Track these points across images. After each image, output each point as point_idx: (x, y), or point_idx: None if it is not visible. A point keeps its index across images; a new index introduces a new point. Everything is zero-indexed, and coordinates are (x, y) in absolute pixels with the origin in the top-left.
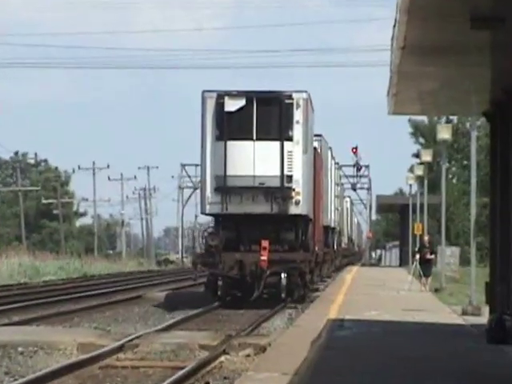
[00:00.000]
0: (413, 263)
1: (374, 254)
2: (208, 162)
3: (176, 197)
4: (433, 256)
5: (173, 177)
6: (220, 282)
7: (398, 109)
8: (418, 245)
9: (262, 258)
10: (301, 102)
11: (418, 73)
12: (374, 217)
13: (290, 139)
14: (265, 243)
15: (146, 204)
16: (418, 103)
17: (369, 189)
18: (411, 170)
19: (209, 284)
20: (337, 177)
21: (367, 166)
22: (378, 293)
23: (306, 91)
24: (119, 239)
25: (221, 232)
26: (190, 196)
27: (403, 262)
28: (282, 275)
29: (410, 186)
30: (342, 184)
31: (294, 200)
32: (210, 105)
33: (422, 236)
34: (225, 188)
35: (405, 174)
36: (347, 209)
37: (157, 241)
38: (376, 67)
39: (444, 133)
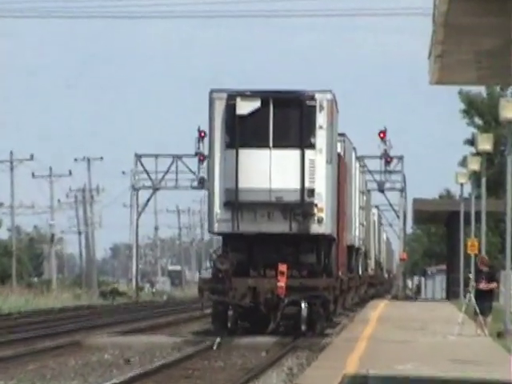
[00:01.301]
0: (465, 296)
1: (409, 283)
2: (217, 173)
3: (128, 201)
4: (494, 285)
5: (124, 173)
6: (230, 312)
7: (445, 76)
8: (472, 270)
9: (279, 284)
10: (325, 104)
11: (474, 25)
12: (409, 229)
13: (312, 147)
14: (282, 267)
15: (85, 211)
16: (473, 69)
17: (402, 190)
18: (463, 163)
19: (217, 314)
20: (362, 183)
21: (400, 158)
22: (417, 338)
23: (330, 91)
24: (47, 261)
25: (231, 254)
26: (148, 200)
27: (451, 294)
28: (303, 305)
29: (462, 185)
30: (369, 191)
31: (316, 217)
32: (219, 107)
33: (478, 257)
34: (236, 203)
35: (454, 170)
36: (374, 222)
37: (101, 264)
38: (413, 16)
39: (510, 110)
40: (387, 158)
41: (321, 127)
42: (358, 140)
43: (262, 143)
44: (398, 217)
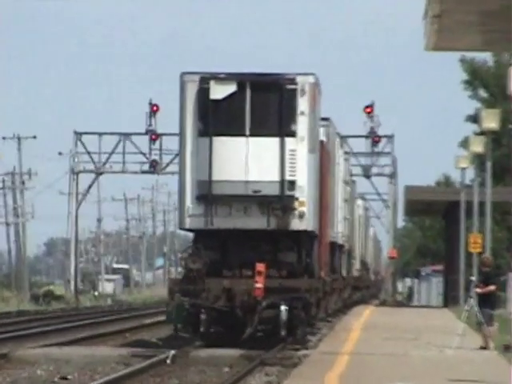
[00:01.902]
0: (466, 302)
1: (400, 286)
2: (188, 164)
3: (66, 188)
4: (491, 288)
5: (61, 154)
6: (203, 316)
7: (443, 41)
8: (475, 271)
9: (257, 285)
10: (307, 88)
11: None
12: (400, 223)
13: (293, 135)
14: (260, 267)
15: (14, 199)
16: (477, 32)
17: (392, 176)
18: (464, 144)
19: (189, 318)
20: (346, 172)
21: (390, 138)
22: (408, 351)
23: (313, 74)
24: None
25: (204, 252)
26: (89, 186)
27: (450, 299)
28: (282, 307)
29: (463, 171)
30: (353, 181)
31: (297, 212)
32: (191, 91)
33: (482, 256)
34: (210, 196)
35: (453, 152)
36: (359, 216)
37: (33, 262)
38: None
39: None
40: (374, 138)
41: (302, 113)
42: (342, 117)
43: (237, 131)
44: (386, 207)
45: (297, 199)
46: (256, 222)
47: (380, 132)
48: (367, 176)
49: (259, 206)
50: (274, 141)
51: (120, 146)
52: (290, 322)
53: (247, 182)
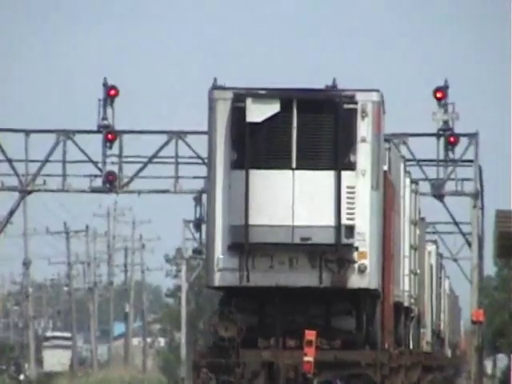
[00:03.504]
0: None
1: (488, 367)
2: (218, 204)
3: None
4: None
5: None
6: None
7: None
8: None
9: (307, 358)
10: (369, 108)
11: None
12: (489, 268)
13: (352, 168)
14: (310, 335)
15: None
16: None
17: (477, 196)
18: None
19: None
20: (414, 209)
21: (473, 137)
22: None
23: (377, 90)
24: None
25: (239, 316)
26: (11, 212)
27: None
28: None
29: None
30: (422, 218)
31: (356, 266)
32: (223, 111)
33: None
34: (246, 245)
35: None
36: (431, 267)
37: None
38: None
39: None
40: (450, 138)
41: (363, 140)
42: (397, 106)
43: (281, 162)
44: (468, 245)
45: (356, 249)
46: (304, 277)
47: (458, 129)
48: (439, 196)
49: (309, 258)
50: (328, 175)
51: (58, 150)
52: None
53: (294, 228)
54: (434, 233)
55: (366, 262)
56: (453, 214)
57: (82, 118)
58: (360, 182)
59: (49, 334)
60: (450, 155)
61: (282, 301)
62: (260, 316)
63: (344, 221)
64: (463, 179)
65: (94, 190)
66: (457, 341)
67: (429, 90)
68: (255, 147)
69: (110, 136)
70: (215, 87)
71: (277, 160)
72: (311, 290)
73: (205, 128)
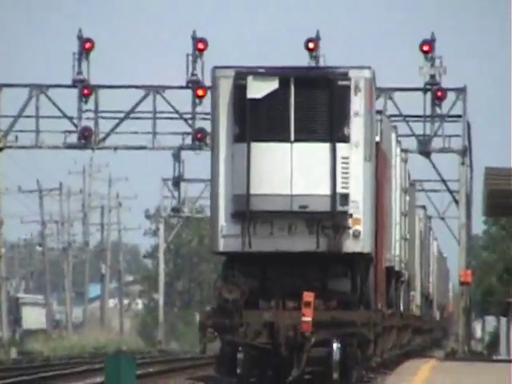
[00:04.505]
0: None
1: (478, 328)
2: (222, 175)
3: None
4: None
5: None
6: (240, 355)
7: None
8: None
9: (305, 318)
10: (361, 84)
11: None
12: (478, 227)
13: (346, 140)
14: (308, 296)
15: None
16: None
17: (465, 153)
18: None
19: (223, 358)
20: (404, 177)
21: (461, 91)
22: None
23: (369, 67)
24: None
25: (242, 280)
26: None
27: None
28: (335, 345)
29: None
30: (412, 184)
31: (351, 231)
32: (225, 88)
33: None
34: (247, 213)
35: None
36: (420, 232)
37: None
38: None
39: None
40: (437, 92)
41: (357, 114)
42: (384, 61)
43: (280, 135)
44: (456, 203)
45: (351, 216)
46: (303, 243)
47: (445, 83)
48: (425, 153)
49: (306, 225)
50: (324, 147)
51: (31, 105)
52: (344, 362)
53: (292, 196)
54: (420, 191)
55: (359, 227)
56: (440, 172)
57: (56, 72)
58: (354, 154)
59: (20, 295)
60: (437, 110)
61: (281, 265)
62: (261, 279)
63: (339, 190)
64: (451, 135)
65: (68, 147)
66: (445, 303)
67: (415, 43)
68: (256, 121)
69: (85, 91)
70: (217, 66)
71: (276, 133)
72: (309, 254)
73: (183, 83)
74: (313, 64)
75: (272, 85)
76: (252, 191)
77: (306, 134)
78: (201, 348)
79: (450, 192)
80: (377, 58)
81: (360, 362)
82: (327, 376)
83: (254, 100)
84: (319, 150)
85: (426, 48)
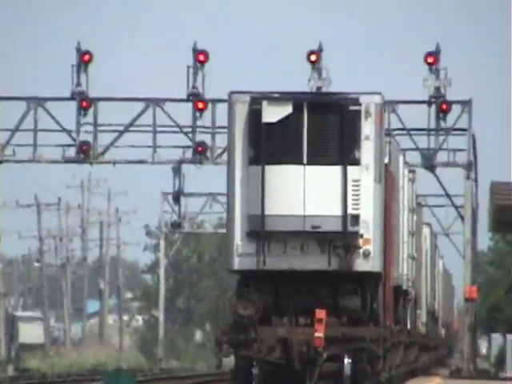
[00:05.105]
0: None
1: (483, 347)
2: (237, 196)
3: None
4: None
5: None
6: (255, 370)
7: None
8: None
9: (317, 334)
10: (372, 109)
11: None
12: (483, 243)
13: (357, 163)
14: (320, 313)
15: None
16: None
17: (470, 167)
18: None
19: (238, 372)
20: (412, 198)
21: (466, 104)
22: None
23: (379, 93)
24: None
25: (256, 297)
26: None
27: None
28: (346, 360)
29: None
30: (419, 203)
31: (361, 251)
32: (241, 112)
33: None
34: (262, 233)
35: None
36: (426, 251)
37: None
38: None
39: None
40: (442, 105)
41: (367, 138)
42: (389, 73)
43: (293, 158)
44: (461, 218)
45: (361, 236)
46: (315, 261)
47: (450, 96)
48: (430, 167)
49: (318, 244)
50: (335, 170)
51: (29, 118)
52: (354, 376)
53: (305, 217)
54: (425, 206)
55: (369, 247)
56: (445, 186)
57: (55, 85)
58: (364, 176)
59: (18, 313)
60: (442, 124)
61: (294, 283)
62: (274, 297)
63: (350, 211)
64: (456, 149)
65: (67, 161)
66: (450, 320)
67: (419, 54)
68: (270, 145)
69: (84, 103)
70: (234, 92)
71: (289, 156)
72: (321, 272)
73: (183, 96)
74: (315, 76)
75: (286, 109)
76: (266, 212)
77: (318, 157)
78: (217, 363)
79: (455, 207)
80: (380, 70)
81: (370, 376)
82: None
83: (268, 124)
84: (331, 173)
85: (430, 60)
